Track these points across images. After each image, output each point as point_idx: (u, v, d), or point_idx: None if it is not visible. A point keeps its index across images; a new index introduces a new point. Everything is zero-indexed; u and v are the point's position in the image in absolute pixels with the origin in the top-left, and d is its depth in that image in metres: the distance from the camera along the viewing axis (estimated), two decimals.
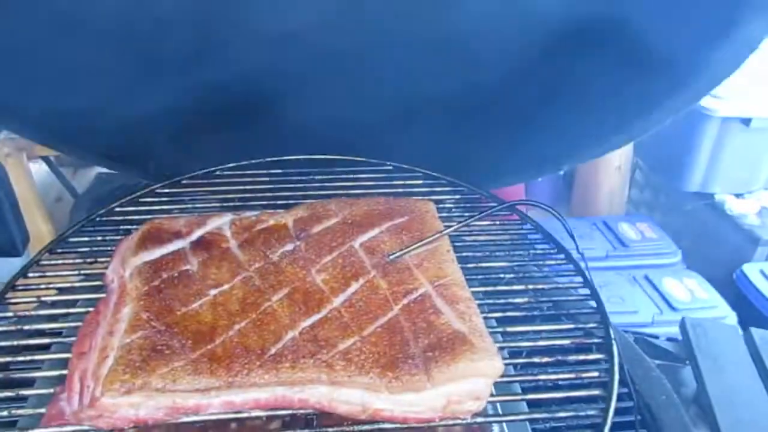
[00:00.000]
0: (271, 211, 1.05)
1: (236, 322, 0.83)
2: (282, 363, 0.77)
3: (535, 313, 0.94)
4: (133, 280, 0.90)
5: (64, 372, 0.81)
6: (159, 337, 0.80)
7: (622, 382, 0.82)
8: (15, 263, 1.11)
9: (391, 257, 0.92)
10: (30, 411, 0.78)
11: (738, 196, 2.82)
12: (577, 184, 3.27)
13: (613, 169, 3.05)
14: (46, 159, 3.11)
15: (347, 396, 0.76)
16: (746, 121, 2.61)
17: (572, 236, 0.95)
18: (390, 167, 1.28)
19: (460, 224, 0.98)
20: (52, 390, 0.79)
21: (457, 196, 1.20)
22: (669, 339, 1.24)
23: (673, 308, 2.38)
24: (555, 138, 1.35)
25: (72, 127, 1.28)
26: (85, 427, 0.75)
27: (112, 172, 3.68)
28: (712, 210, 2.83)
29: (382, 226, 0.99)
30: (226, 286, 0.89)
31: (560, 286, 0.98)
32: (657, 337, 1.24)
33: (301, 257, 0.94)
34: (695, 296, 2.46)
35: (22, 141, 2.56)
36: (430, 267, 0.91)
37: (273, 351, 0.79)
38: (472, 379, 0.76)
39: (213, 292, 0.88)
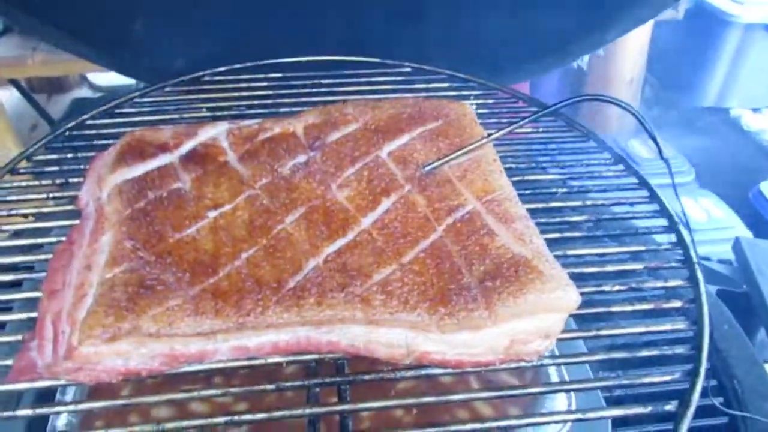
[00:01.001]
0: (276, 117, 0.88)
1: (243, 249, 0.67)
2: (305, 298, 0.62)
3: (598, 233, 0.79)
4: (112, 201, 0.73)
5: (33, 315, 0.65)
6: (148, 270, 0.64)
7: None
8: None
9: (428, 168, 0.76)
10: None
11: (755, 110, 2.67)
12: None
13: (625, 83, 2.87)
14: (16, 84, 2.86)
15: (388, 337, 0.61)
16: None
17: (654, 138, 0.79)
18: (408, 69, 1.10)
19: (509, 127, 0.81)
20: (19, 337, 0.64)
21: (491, 101, 1.03)
22: (720, 261, 1.10)
23: (688, 229, 2.27)
24: (567, 18, 1.16)
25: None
26: (62, 382, 0.60)
27: (89, 96, 3.44)
28: (727, 126, 2.68)
29: (412, 133, 0.82)
30: (227, 207, 0.73)
31: (623, 200, 0.83)
32: (708, 259, 1.10)
33: (317, 170, 0.77)
34: (711, 216, 2.34)
35: None
36: (475, 179, 0.75)
37: (292, 284, 0.63)
38: (543, 314, 0.61)
39: (212, 214, 0.72)
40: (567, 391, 0.70)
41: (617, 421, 0.75)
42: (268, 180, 0.76)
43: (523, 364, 0.63)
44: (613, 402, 0.81)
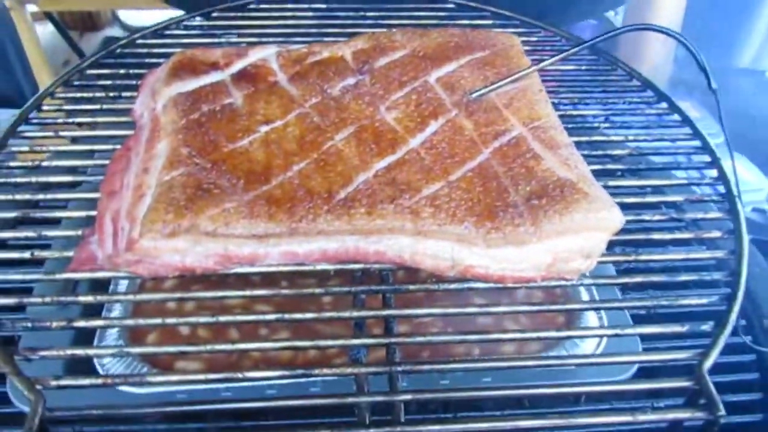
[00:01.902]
0: (324, 43, 0.89)
1: (294, 162, 0.69)
2: (356, 208, 0.64)
3: (640, 166, 0.80)
4: (168, 112, 0.75)
5: (92, 213, 0.68)
6: (204, 175, 0.66)
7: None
8: None
9: (475, 95, 0.77)
10: (56, 254, 0.66)
11: None
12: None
13: (660, 41, 2.81)
14: (51, 19, 2.87)
15: (435, 249, 0.63)
16: None
17: (704, 69, 0.79)
18: (452, 5, 1.10)
19: (555, 58, 0.82)
20: (79, 232, 0.67)
21: (534, 39, 1.03)
22: (756, 209, 1.10)
23: (732, 161, 2.25)
24: None
25: None
26: (121, 274, 0.63)
27: (120, 35, 3.45)
28: (762, 88, 2.63)
29: (460, 60, 0.82)
30: (278, 123, 0.75)
31: (665, 136, 0.84)
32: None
33: (366, 92, 0.78)
34: (741, 178, 2.32)
35: None
36: (521, 107, 0.76)
37: (343, 195, 0.65)
38: (587, 233, 0.63)
39: (263, 128, 0.74)
40: (609, 308, 0.72)
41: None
42: (318, 100, 0.78)
43: (563, 282, 0.65)
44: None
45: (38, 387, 0.53)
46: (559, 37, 1.03)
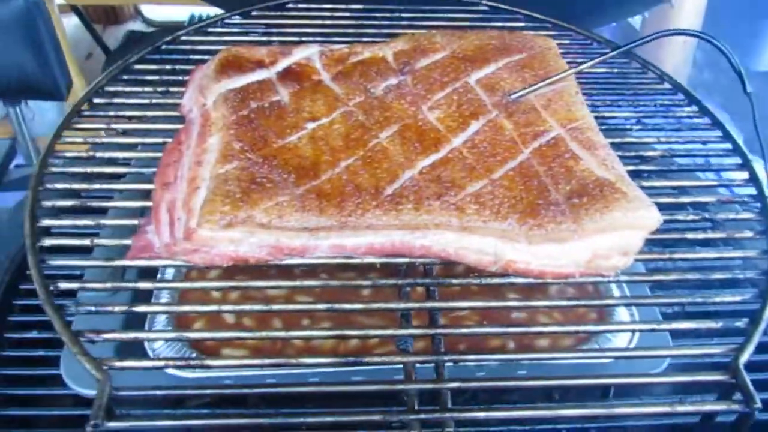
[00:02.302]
0: (364, 43, 0.91)
1: (342, 158, 0.72)
2: (403, 204, 0.67)
3: (672, 167, 0.82)
4: (218, 108, 0.78)
5: (146, 203, 0.71)
6: (257, 169, 0.69)
7: None
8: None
9: (514, 96, 0.80)
10: (115, 242, 0.69)
11: None
12: None
13: (679, 44, 2.82)
14: (77, 11, 2.92)
15: (478, 244, 0.66)
16: None
17: (740, 73, 0.81)
18: (485, 7, 1.13)
19: (593, 61, 0.84)
20: (135, 221, 0.70)
21: (566, 41, 1.05)
22: None
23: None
24: None
25: None
26: (178, 263, 0.66)
27: (143, 29, 3.49)
28: None
29: (498, 62, 0.85)
30: (324, 120, 0.77)
31: (696, 138, 0.86)
32: None
33: (408, 92, 0.81)
34: None
35: None
36: (558, 109, 0.79)
37: (390, 191, 0.68)
38: (626, 231, 0.65)
39: (311, 125, 0.77)
40: (644, 305, 0.74)
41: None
42: (362, 99, 0.80)
43: (599, 279, 0.67)
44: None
45: (105, 367, 0.56)
46: (590, 40, 1.05)
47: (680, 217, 0.75)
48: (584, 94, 0.91)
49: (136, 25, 3.58)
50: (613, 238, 0.65)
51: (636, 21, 3.36)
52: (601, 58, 0.84)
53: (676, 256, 0.70)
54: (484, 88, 0.81)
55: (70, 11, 2.95)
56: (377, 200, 0.67)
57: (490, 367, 0.77)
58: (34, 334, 0.88)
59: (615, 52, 0.86)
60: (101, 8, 3.39)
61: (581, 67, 0.82)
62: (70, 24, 3.15)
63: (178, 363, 0.58)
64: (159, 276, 0.83)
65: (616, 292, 0.83)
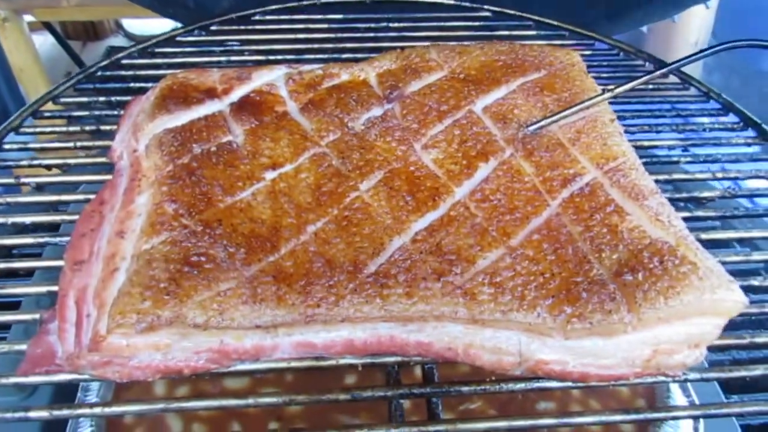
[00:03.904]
0: (343, 62, 0.74)
1: (309, 221, 0.54)
2: (391, 287, 0.49)
3: (735, 212, 0.64)
4: (151, 155, 0.61)
5: (55, 288, 0.54)
6: (194, 242, 0.51)
7: None
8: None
9: (533, 128, 0.62)
10: (4, 347, 0.51)
11: None
12: None
13: (689, 45, 2.65)
14: (51, 29, 2.74)
15: (495, 341, 0.48)
16: None
17: None
18: (488, 13, 0.95)
19: (634, 82, 0.66)
20: (36, 315, 0.52)
21: (588, 52, 0.88)
22: None
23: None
24: None
25: None
26: (85, 376, 0.48)
27: (123, 44, 3.32)
28: None
29: (510, 84, 0.67)
30: (288, 167, 0.60)
31: (760, 173, 0.68)
32: None
33: (396, 126, 0.63)
34: None
35: (20, 1, 2.21)
36: (592, 143, 0.61)
37: (373, 268, 0.50)
38: (698, 319, 0.47)
39: (270, 175, 0.59)
40: (718, 416, 0.56)
41: None
42: (337, 136, 0.63)
43: (662, 379, 0.49)
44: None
45: None
46: (616, 49, 0.87)
47: (756, 283, 0.57)
48: (619, 119, 0.73)
49: (118, 40, 3.42)
50: (680, 328, 0.48)
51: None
52: (646, 78, 0.66)
53: (758, 340, 0.52)
54: (494, 117, 0.63)
55: (44, 29, 2.78)
56: (355, 282, 0.49)
57: None
58: None
59: (664, 70, 0.68)
60: (80, 24, 3.22)
61: (620, 89, 0.64)
62: (47, 42, 2.99)
63: None
64: (80, 393, 0.65)
65: (677, 391, 0.65)
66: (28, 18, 2.48)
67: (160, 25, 3.14)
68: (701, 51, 0.69)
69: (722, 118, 0.77)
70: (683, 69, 0.85)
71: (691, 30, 2.71)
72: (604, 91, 0.64)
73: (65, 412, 0.48)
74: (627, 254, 0.50)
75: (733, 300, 0.47)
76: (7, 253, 0.65)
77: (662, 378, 0.49)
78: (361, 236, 0.53)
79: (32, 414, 0.47)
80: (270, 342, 0.49)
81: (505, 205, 0.55)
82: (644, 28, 3.03)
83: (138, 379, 0.48)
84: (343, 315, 0.48)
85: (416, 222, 0.54)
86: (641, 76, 0.69)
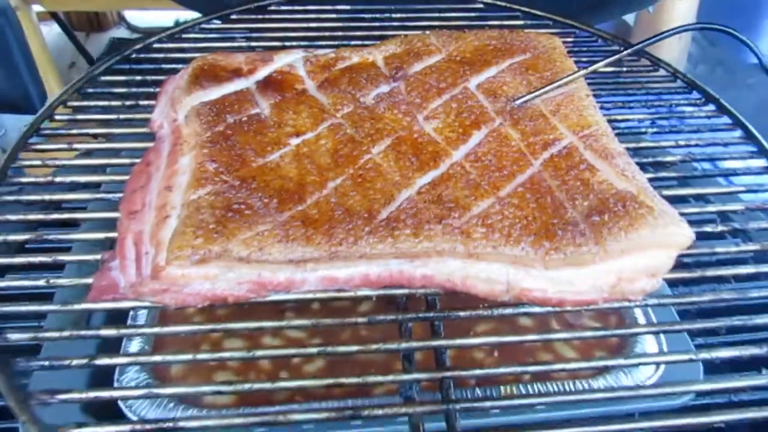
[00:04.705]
0: (353, 47, 0.83)
1: (330, 178, 0.64)
2: (400, 229, 0.59)
3: (695, 173, 0.75)
4: (190, 123, 0.70)
5: (111, 235, 0.63)
6: (234, 194, 0.61)
7: None
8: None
9: (519, 101, 0.72)
10: (73, 281, 0.61)
11: None
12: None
13: (674, 38, 2.76)
14: (57, 19, 2.82)
15: (488, 272, 0.58)
16: None
17: (765, 68, 0.74)
18: (481, 5, 1.05)
19: (604, 61, 0.76)
20: (98, 257, 0.62)
21: (569, 39, 0.98)
22: None
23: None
24: None
25: None
26: (146, 304, 0.58)
27: (126, 36, 3.39)
28: None
29: (500, 65, 0.77)
30: (309, 135, 0.69)
31: (717, 141, 0.78)
32: None
33: (402, 101, 0.73)
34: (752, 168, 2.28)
35: None
36: (569, 114, 0.71)
37: (385, 215, 0.60)
38: (654, 251, 0.57)
39: (294, 141, 0.69)
40: (673, 332, 0.66)
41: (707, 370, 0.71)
42: (351, 109, 0.72)
43: (626, 304, 0.59)
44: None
45: None
46: (595, 37, 0.98)
47: (708, 230, 0.67)
48: (593, 95, 0.83)
49: (120, 32, 3.49)
50: (639, 259, 0.58)
51: (629, 16, 3.31)
52: (615, 57, 0.77)
53: (708, 273, 0.63)
54: (486, 93, 0.73)
55: (50, 19, 2.86)
56: (370, 226, 0.59)
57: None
58: None
59: (630, 50, 0.79)
60: (84, 15, 3.30)
61: (593, 67, 0.75)
62: (52, 32, 3.06)
63: (147, 426, 0.50)
64: (130, 321, 0.74)
65: (642, 319, 0.75)
66: (37, 8, 2.56)
67: (162, 17, 3.23)
68: (666, 32, 0.78)
69: (687, 96, 0.87)
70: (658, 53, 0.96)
71: (676, 23, 2.82)
72: (578, 70, 0.74)
73: (130, 330, 0.57)
74: (596, 201, 0.60)
75: (682, 234, 0.57)
76: (57, 206, 0.74)
77: (626, 303, 0.59)
78: (374, 190, 0.62)
79: (102, 332, 0.57)
80: (300, 276, 0.59)
81: (495, 164, 0.65)
82: (630, 21, 3.15)
83: (189, 305, 0.58)
84: (361, 252, 0.58)
85: (420, 178, 0.63)
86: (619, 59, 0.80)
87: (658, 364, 0.69)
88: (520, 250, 0.57)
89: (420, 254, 0.58)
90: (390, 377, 0.54)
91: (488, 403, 0.52)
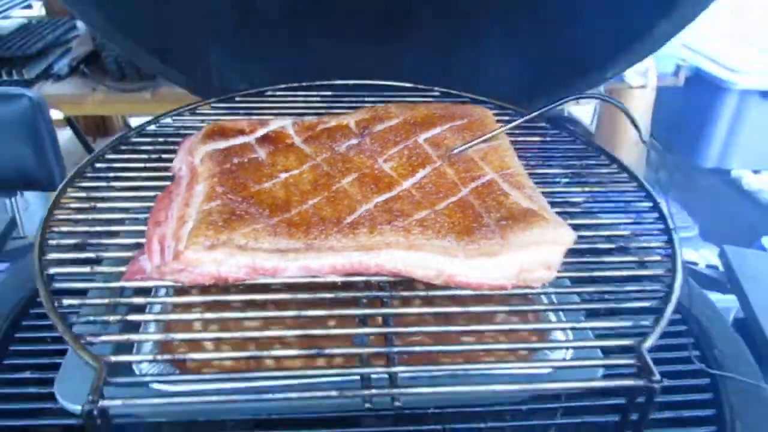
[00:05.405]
0: (331, 115, 1.07)
1: (309, 198, 0.85)
2: (359, 229, 0.79)
3: (595, 209, 0.96)
4: (204, 163, 0.92)
5: (140, 240, 0.83)
6: (237, 205, 0.82)
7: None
8: None
9: (456, 151, 0.95)
10: (111, 268, 0.80)
11: (755, 172, 2.86)
12: None
13: (632, 144, 3.07)
14: (71, 124, 3.13)
15: (424, 260, 0.78)
16: (765, 94, 2.64)
17: (636, 125, 0.97)
18: (437, 92, 1.31)
19: (519, 120, 1.00)
20: (130, 253, 0.81)
21: (506, 118, 1.22)
22: (709, 266, 1.26)
23: (668, 204, 2.41)
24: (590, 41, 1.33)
25: (131, 19, 1.30)
26: (168, 282, 0.77)
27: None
28: (729, 186, 2.87)
29: (443, 126, 1.01)
30: (295, 171, 0.91)
31: (617, 189, 1.01)
32: (696, 264, 1.26)
33: (367, 149, 0.96)
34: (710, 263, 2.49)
35: (52, 97, 2.58)
36: (494, 160, 0.94)
37: (349, 220, 0.81)
38: (545, 246, 0.78)
39: (284, 175, 0.90)
40: (568, 310, 0.86)
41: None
42: (328, 155, 0.95)
43: (528, 290, 0.79)
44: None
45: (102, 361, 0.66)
46: (526, 115, 1.22)
47: (599, 246, 0.88)
48: (520, 157, 1.07)
49: None
50: (536, 253, 0.78)
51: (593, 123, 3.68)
52: (519, 121, 1.01)
53: (594, 273, 0.83)
54: (431, 144, 0.96)
55: (64, 125, 3.16)
56: (338, 227, 0.79)
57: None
58: (27, 375, 0.96)
59: (531, 116, 1.03)
60: (92, 121, 3.63)
61: (510, 125, 0.98)
62: (63, 137, 3.36)
63: (164, 370, 0.68)
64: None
65: (554, 319, 0.94)
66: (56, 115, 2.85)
67: None
68: (557, 101, 1.03)
69: (597, 159, 1.10)
70: (576, 131, 1.20)
71: (632, 130, 3.15)
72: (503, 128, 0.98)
73: (150, 299, 0.76)
74: (506, 213, 0.81)
75: (567, 234, 0.78)
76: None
77: (529, 289, 0.79)
78: (342, 205, 0.83)
79: (135, 300, 0.76)
80: (283, 264, 0.78)
81: (433, 191, 0.86)
82: (592, 129, 3.50)
83: (199, 284, 0.77)
84: (330, 245, 0.78)
85: (377, 197, 0.85)
86: (537, 132, 1.05)
87: (562, 348, 0.86)
88: (446, 242, 0.77)
89: (374, 247, 0.78)
90: (348, 330, 0.73)
91: (424, 347, 0.70)
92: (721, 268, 1.28)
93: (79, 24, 3.14)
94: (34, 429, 0.90)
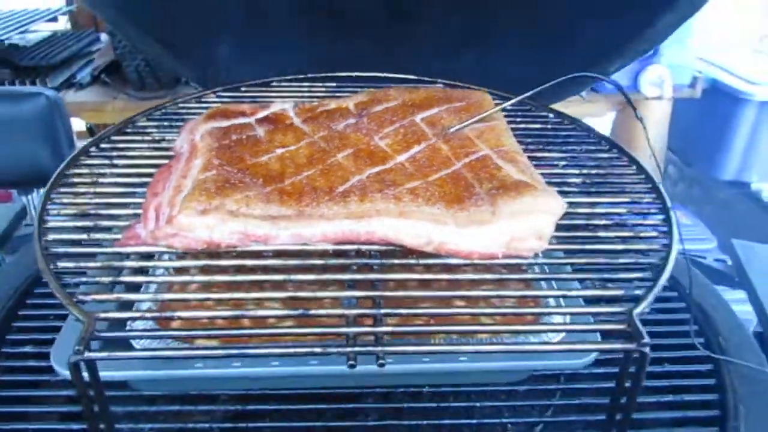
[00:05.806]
0: (332, 98, 1.09)
1: (303, 171, 0.86)
2: (350, 197, 0.80)
3: (592, 190, 0.96)
4: (204, 139, 0.94)
5: (138, 211, 0.84)
6: (232, 175, 0.83)
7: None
8: None
9: (452, 130, 0.95)
10: (106, 235, 0.81)
11: None
12: None
13: (647, 157, 3.06)
14: (92, 132, 3.19)
15: (414, 228, 0.78)
16: None
17: (629, 101, 0.97)
18: (441, 85, 1.32)
19: (519, 97, 1.01)
20: (128, 223, 0.83)
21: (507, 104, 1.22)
22: (717, 260, 1.24)
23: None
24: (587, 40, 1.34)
25: (144, 13, 1.33)
26: (161, 248, 0.78)
27: None
28: (749, 199, 2.83)
29: (441, 107, 1.02)
30: (292, 147, 0.92)
31: (615, 172, 1.00)
32: (704, 258, 1.24)
33: (363, 128, 0.97)
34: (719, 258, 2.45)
35: (73, 105, 2.64)
36: (490, 138, 0.94)
37: (341, 189, 0.81)
38: (536, 215, 0.77)
39: (280, 150, 0.91)
40: (561, 279, 0.85)
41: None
42: (325, 133, 0.96)
43: (518, 260, 0.79)
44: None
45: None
46: (528, 105, 1.23)
47: (595, 222, 0.87)
48: (519, 142, 1.07)
49: None
50: (527, 222, 0.77)
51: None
52: (515, 99, 1.01)
53: (587, 247, 0.82)
54: (427, 124, 0.97)
55: (87, 137, 3.22)
56: (329, 196, 0.80)
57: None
58: (27, 349, 0.98)
59: (521, 97, 1.04)
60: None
61: (507, 103, 0.99)
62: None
63: (149, 315, 0.68)
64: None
65: (552, 302, 0.94)
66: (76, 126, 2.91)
67: None
68: (555, 81, 1.03)
69: (597, 145, 1.10)
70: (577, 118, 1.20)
71: (649, 121, 3.11)
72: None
73: (151, 263, 0.77)
74: (497, 183, 0.81)
75: (557, 202, 0.78)
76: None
77: (521, 258, 0.79)
78: (335, 176, 0.84)
79: (129, 263, 0.77)
80: (275, 232, 0.79)
81: (427, 164, 0.87)
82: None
83: (192, 249, 0.78)
84: (321, 213, 0.78)
85: (370, 170, 0.85)
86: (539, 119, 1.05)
87: (556, 331, 0.85)
88: (436, 209, 0.77)
89: (364, 214, 0.78)
90: (336, 293, 0.73)
91: (410, 310, 0.70)
92: (729, 262, 1.26)
93: (102, 36, 3.23)
94: (35, 399, 0.91)
